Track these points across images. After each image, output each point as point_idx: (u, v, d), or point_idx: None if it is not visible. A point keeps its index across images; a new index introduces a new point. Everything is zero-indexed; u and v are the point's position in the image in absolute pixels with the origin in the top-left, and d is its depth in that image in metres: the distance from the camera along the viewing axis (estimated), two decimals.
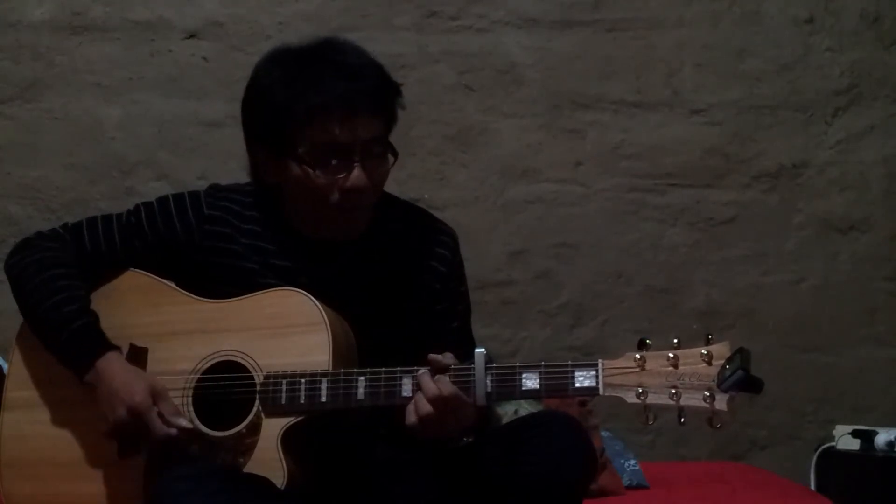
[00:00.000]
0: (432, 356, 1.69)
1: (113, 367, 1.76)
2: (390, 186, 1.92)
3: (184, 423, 1.74)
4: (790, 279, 3.43)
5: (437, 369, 1.68)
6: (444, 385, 1.65)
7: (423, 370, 1.68)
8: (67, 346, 1.78)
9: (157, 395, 1.74)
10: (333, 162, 1.75)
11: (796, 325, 3.41)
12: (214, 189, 1.93)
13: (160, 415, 1.72)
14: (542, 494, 1.64)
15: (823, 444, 3.28)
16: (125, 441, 1.79)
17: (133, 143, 3.27)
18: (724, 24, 3.45)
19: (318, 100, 1.73)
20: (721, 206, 3.42)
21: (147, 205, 1.91)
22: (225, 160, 3.14)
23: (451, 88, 3.37)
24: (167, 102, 3.29)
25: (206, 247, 1.86)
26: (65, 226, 1.94)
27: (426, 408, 1.64)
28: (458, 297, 1.94)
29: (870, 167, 3.46)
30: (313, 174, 1.75)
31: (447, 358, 1.69)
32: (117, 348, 1.80)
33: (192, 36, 3.30)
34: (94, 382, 1.76)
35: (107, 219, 1.92)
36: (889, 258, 3.45)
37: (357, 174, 1.75)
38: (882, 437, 3.08)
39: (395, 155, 1.82)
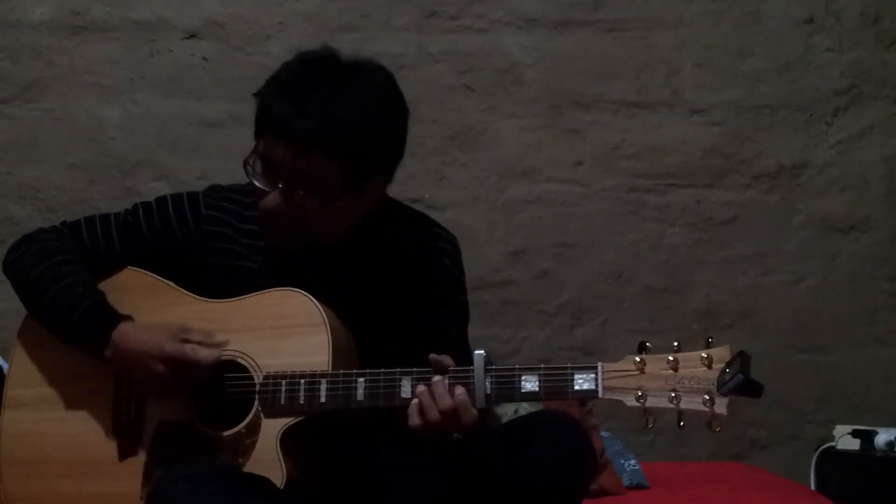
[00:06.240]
0: (433, 356, 1.69)
1: (129, 333, 1.77)
2: (390, 187, 1.91)
3: (221, 338, 1.75)
4: (790, 279, 3.42)
5: (437, 370, 1.68)
6: (459, 394, 1.65)
7: (437, 378, 1.68)
8: (81, 324, 1.78)
9: (183, 333, 1.75)
10: (266, 175, 1.75)
11: (796, 325, 3.40)
12: (213, 189, 1.93)
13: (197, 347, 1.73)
14: (543, 494, 1.64)
15: (823, 444, 3.28)
16: (125, 441, 1.79)
17: (133, 143, 3.27)
18: (724, 24, 3.44)
19: (274, 112, 1.73)
20: (721, 206, 3.42)
21: (145, 205, 1.91)
22: (225, 160, 3.13)
23: (451, 88, 3.37)
24: (167, 102, 3.28)
25: (204, 247, 1.86)
26: (63, 223, 1.94)
27: (435, 415, 1.65)
28: (457, 306, 1.94)
29: (870, 167, 3.45)
30: (251, 175, 1.76)
31: (446, 359, 1.69)
32: (130, 318, 1.80)
33: (192, 36, 3.30)
34: (114, 356, 1.77)
35: (105, 218, 1.92)
36: (889, 258, 3.44)
37: (271, 196, 1.75)
38: (882, 437, 3.08)
39: (335, 200, 1.74)
